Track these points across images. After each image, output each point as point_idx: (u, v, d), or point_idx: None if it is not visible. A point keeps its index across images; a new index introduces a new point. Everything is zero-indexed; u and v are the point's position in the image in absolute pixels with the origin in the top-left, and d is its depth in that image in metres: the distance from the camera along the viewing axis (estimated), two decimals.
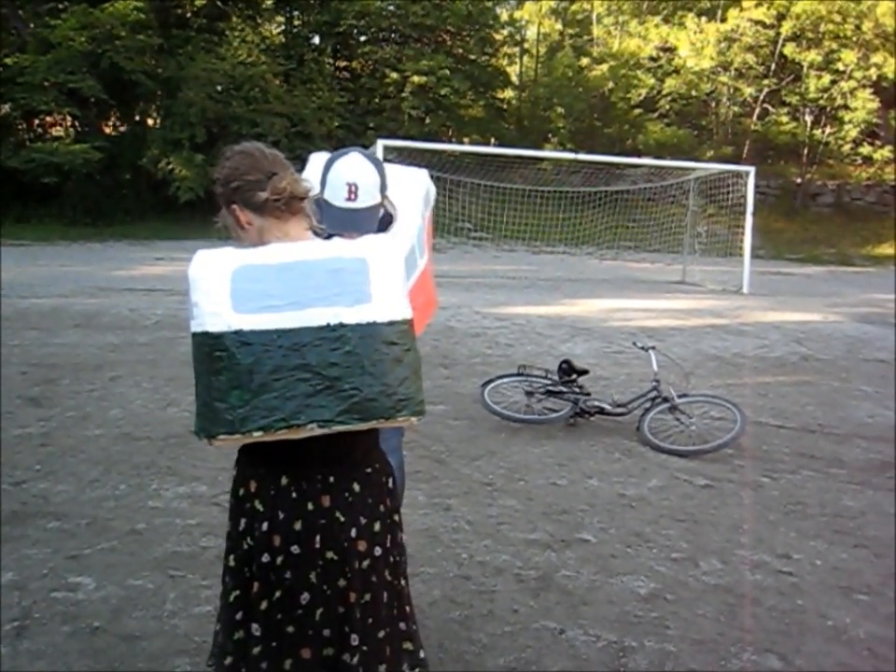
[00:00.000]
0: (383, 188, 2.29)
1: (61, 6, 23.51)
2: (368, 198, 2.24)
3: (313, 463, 1.77)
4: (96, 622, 2.89)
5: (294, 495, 1.77)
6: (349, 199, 2.16)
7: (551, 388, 5.65)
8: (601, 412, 5.61)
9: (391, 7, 28.92)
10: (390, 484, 1.92)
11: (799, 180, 29.56)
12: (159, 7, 24.58)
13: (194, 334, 1.66)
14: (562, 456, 4.99)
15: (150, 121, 27.01)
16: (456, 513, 4.00)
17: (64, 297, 10.60)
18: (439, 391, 6.55)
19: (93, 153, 22.24)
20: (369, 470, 1.85)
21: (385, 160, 15.14)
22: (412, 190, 2.49)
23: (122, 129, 26.90)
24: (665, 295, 14.84)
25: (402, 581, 1.92)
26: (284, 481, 1.78)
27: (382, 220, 2.37)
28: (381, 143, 15.60)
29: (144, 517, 3.81)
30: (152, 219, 23.75)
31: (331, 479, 1.78)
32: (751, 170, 17.16)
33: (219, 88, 23.88)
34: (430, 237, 2.61)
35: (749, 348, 9.33)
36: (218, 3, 26.27)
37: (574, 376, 5.72)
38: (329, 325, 1.61)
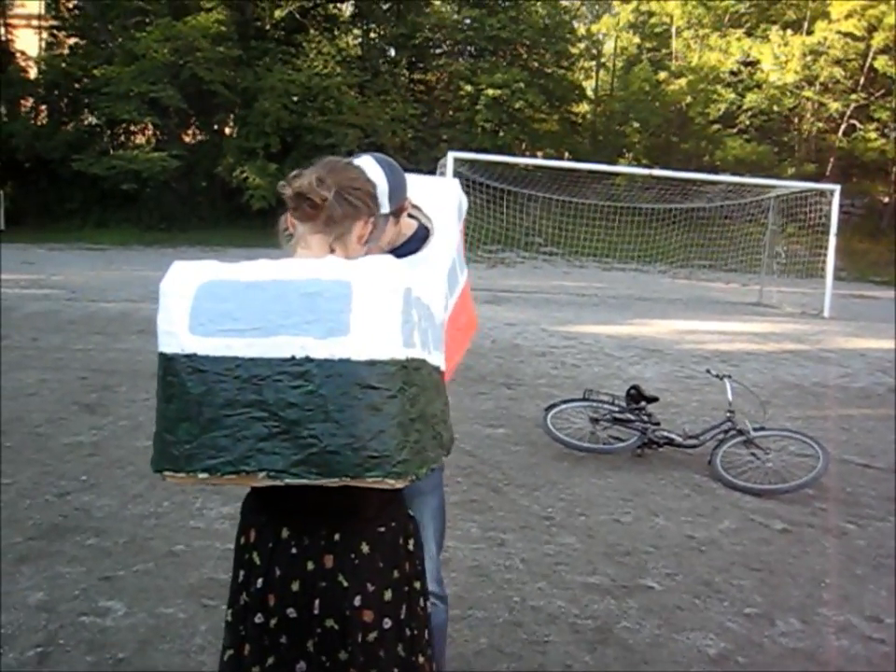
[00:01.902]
0: (393, 196, 2.01)
1: (147, 19, 24.21)
2: None
3: (317, 516, 1.55)
4: (121, 653, 2.73)
5: (294, 550, 1.55)
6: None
7: (617, 416, 5.34)
8: (671, 443, 5.27)
9: (467, 20, 28.91)
10: (410, 546, 1.67)
11: (886, 199, 28.39)
12: (239, 20, 25.13)
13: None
14: (627, 490, 4.67)
15: (227, 131, 27.57)
16: (511, 550, 3.74)
17: (132, 301, 10.74)
18: (501, 412, 6.31)
19: (171, 161, 22.81)
20: (382, 529, 1.60)
21: (456, 172, 14.94)
22: (446, 202, 2.21)
23: (201, 138, 27.54)
24: (741, 317, 14.27)
25: (420, 658, 1.67)
26: (284, 533, 1.56)
27: (417, 235, 2.12)
28: (451, 155, 15.47)
29: (183, 538, 3.66)
30: (225, 227, 24.19)
31: (336, 537, 1.55)
32: (836, 188, 16.45)
33: (295, 98, 24.24)
34: (464, 249, 2.34)
35: (830, 377, 8.80)
36: (297, 15, 26.68)
37: (643, 403, 5.40)
38: (293, 358, 1.37)
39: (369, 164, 1.95)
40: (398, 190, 2.00)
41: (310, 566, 1.54)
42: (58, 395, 6.06)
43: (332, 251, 1.62)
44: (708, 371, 5.67)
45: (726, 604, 3.32)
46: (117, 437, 5.13)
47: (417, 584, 1.67)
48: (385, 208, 1.97)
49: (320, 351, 1.36)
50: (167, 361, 1.43)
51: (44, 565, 3.32)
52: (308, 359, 1.36)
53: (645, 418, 5.33)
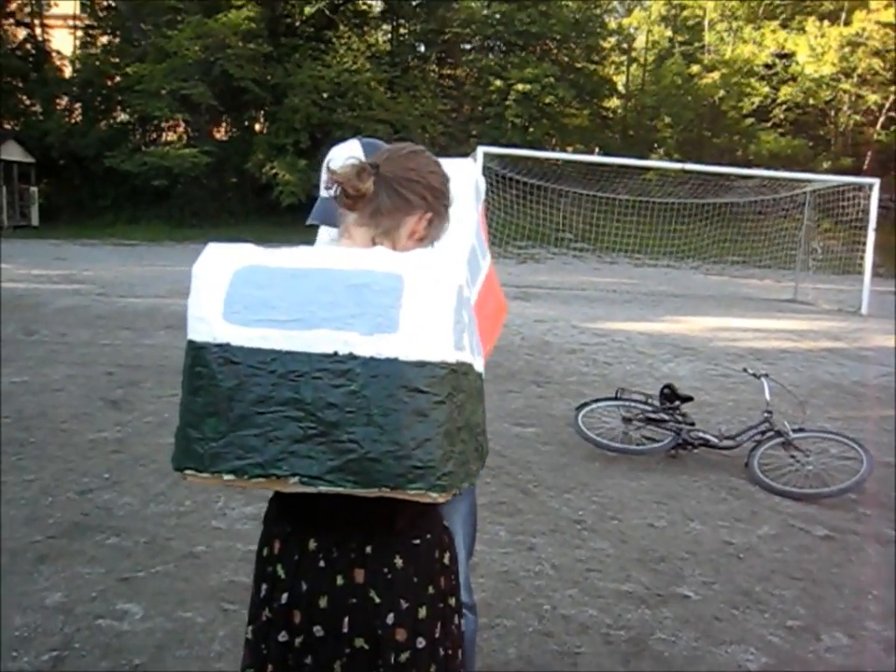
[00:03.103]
0: None
1: (178, 17, 24.34)
2: None
3: (347, 526, 1.42)
4: (137, 658, 2.64)
5: (322, 563, 1.43)
6: (327, 187, 1.73)
7: (651, 415, 5.18)
8: (706, 444, 5.10)
9: (497, 15, 28.71)
10: (446, 560, 1.53)
11: None
12: (269, 17, 25.17)
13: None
14: (661, 493, 4.52)
15: (257, 127, 27.67)
16: (541, 554, 3.61)
17: (161, 297, 10.74)
18: (530, 411, 6.17)
19: (201, 157, 22.93)
20: (417, 542, 1.47)
21: (486, 167, 14.73)
22: (461, 185, 2.03)
23: (231, 134, 27.68)
24: (776, 314, 13.98)
25: None
26: (312, 545, 1.44)
27: None
28: (481, 150, 15.34)
29: (204, 539, 3.58)
30: (255, 222, 24.27)
31: (368, 549, 1.42)
32: (875, 182, 16.05)
33: (324, 94, 24.24)
34: (486, 234, 2.16)
35: (870, 376, 8.54)
36: (326, 12, 26.67)
37: (677, 403, 5.24)
38: (335, 354, 1.25)
39: (350, 146, 1.82)
40: None
41: (339, 580, 1.42)
42: (84, 390, 6.04)
43: (377, 241, 1.49)
44: (745, 370, 5.49)
45: (767, 615, 3.17)
46: (141, 433, 5.08)
47: (452, 601, 1.54)
48: None
49: (366, 348, 1.24)
50: (196, 350, 1.31)
51: (63, 564, 3.26)
52: (352, 356, 1.25)
53: (679, 418, 5.17)
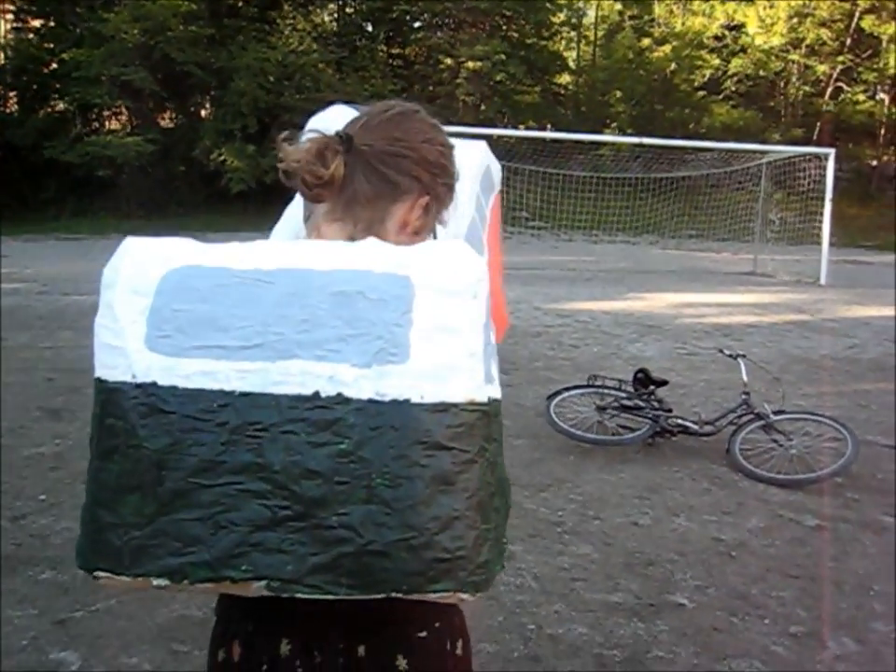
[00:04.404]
0: None
1: None
2: None
3: (331, 622, 1.04)
4: None
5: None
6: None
7: (626, 402, 4.94)
8: (685, 431, 4.88)
9: None
10: (458, 649, 1.15)
11: (874, 162, 28.03)
12: None
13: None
14: (641, 487, 4.28)
15: (203, 113, 26.89)
16: (521, 564, 3.34)
17: None
18: None
19: (146, 146, 22.16)
20: (423, 635, 1.09)
21: None
22: (462, 173, 1.59)
23: (176, 121, 26.85)
24: (738, 287, 13.91)
25: None
26: (284, 648, 1.06)
27: None
28: None
29: None
30: (205, 211, 23.56)
31: (361, 650, 1.06)
32: (831, 152, 16.09)
33: (271, 77, 23.55)
34: (497, 231, 1.73)
35: (838, 348, 8.45)
36: None
37: (652, 388, 5.01)
38: (316, 396, 0.86)
39: (335, 112, 1.46)
40: None
41: None
42: (21, 399, 5.61)
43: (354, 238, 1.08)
44: (721, 352, 5.29)
45: (767, 622, 2.94)
46: (82, 446, 4.64)
47: None
48: None
49: (362, 387, 0.86)
50: (108, 394, 0.91)
51: None
52: (341, 399, 0.86)
53: (656, 404, 4.94)
